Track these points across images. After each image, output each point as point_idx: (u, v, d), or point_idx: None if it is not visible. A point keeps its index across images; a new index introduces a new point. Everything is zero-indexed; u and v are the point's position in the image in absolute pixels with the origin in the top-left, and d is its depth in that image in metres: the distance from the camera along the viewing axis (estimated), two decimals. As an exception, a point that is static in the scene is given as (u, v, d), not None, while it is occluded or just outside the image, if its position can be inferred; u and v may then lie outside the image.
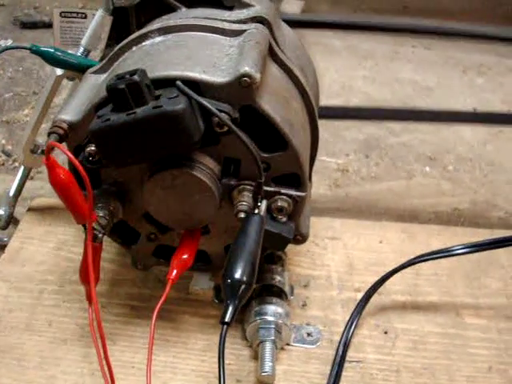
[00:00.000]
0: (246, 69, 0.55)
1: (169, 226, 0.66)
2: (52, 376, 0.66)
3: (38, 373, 0.67)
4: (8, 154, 1.13)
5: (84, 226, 0.60)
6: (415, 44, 1.64)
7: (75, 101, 0.63)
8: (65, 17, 0.75)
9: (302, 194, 0.63)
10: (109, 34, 0.74)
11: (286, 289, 0.72)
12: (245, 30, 0.63)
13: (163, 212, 0.63)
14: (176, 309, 0.74)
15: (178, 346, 0.70)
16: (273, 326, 0.67)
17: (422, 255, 0.74)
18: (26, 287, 0.77)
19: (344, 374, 0.68)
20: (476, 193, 1.13)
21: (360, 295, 0.75)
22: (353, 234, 0.88)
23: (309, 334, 0.72)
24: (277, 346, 0.67)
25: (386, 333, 0.73)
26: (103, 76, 0.66)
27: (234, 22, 0.66)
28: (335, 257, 0.84)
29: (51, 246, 0.84)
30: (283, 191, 0.62)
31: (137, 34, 0.66)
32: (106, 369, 0.60)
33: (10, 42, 1.59)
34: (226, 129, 0.56)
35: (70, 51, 0.73)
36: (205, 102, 0.55)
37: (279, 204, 0.62)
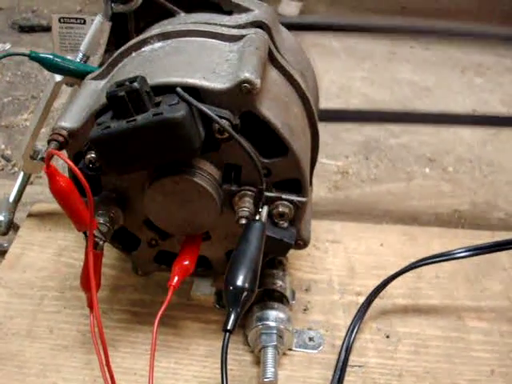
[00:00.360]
0: (246, 75, 0.55)
1: (169, 232, 0.66)
2: (53, 383, 0.66)
3: (40, 380, 0.67)
4: (7, 159, 1.12)
5: (85, 233, 0.60)
6: (413, 44, 1.64)
7: (75, 107, 0.63)
8: (64, 22, 0.75)
9: (303, 199, 0.62)
10: (108, 40, 0.74)
11: (288, 293, 0.72)
12: (244, 35, 0.63)
13: (164, 218, 0.63)
14: (177, 314, 0.74)
15: (180, 351, 0.70)
16: (274, 332, 0.67)
17: (423, 259, 0.74)
18: (26, 293, 0.77)
19: (346, 378, 0.68)
20: (476, 194, 1.13)
21: (361, 299, 0.75)
22: (353, 237, 0.88)
23: (311, 339, 0.72)
24: (279, 352, 0.67)
25: (387, 337, 0.73)
26: (102, 82, 0.66)
27: (233, 26, 0.65)
28: (336, 260, 0.84)
29: (51, 251, 0.84)
30: (284, 197, 0.62)
31: (136, 39, 0.66)
32: (107, 376, 0.60)
33: (8, 46, 1.59)
34: (226, 135, 0.56)
35: (69, 57, 0.73)
36: (205, 108, 0.54)
37: (280, 209, 0.62)
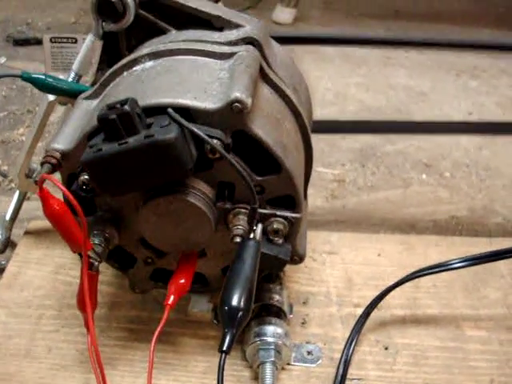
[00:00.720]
0: (237, 94, 0.55)
1: (165, 250, 0.66)
2: (53, 404, 0.66)
3: (39, 401, 0.67)
4: (4, 175, 1.12)
5: (80, 254, 0.60)
6: (408, 49, 1.64)
7: (67, 128, 0.63)
8: (55, 42, 0.75)
9: (298, 215, 0.62)
10: (100, 58, 0.74)
11: (285, 307, 0.72)
12: (235, 53, 0.63)
13: (159, 237, 0.63)
14: (175, 331, 0.74)
15: (179, 369, 0.70)
16: (272, 347, 0.67)
17: (421, 270, 0.74)
18: (24, 313, 0.77)
19: (345, 392, 0.68)
20: (473, 199, 1.13)
21: (359, 311, 0.75)
22: (350, 248, 0.87)
23: (309, 353, 0.72)
24: (277, 367, 0.67)
25: (386, 348, 0.73)
26: (95, 102, 0.66)
27: (224, 43, 0.65)
28: (334, 272, 0.84)
29: (49, 269, 0.84)
30: (278, 213, 0.62)
31: (127, 58, 0.66)
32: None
33: (3, 60, 1.60)
34: (218, 155, 0.56)
35: (61, 76, 0.73)
36: (196, 129, 0.54)
37: (275, 226, 0.62)
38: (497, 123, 1.10)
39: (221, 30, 0.70)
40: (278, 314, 0.71)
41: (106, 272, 0.79)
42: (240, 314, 0.54)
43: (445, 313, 0.78)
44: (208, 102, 0.56)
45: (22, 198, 0.89)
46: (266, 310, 0.71)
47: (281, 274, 0.76)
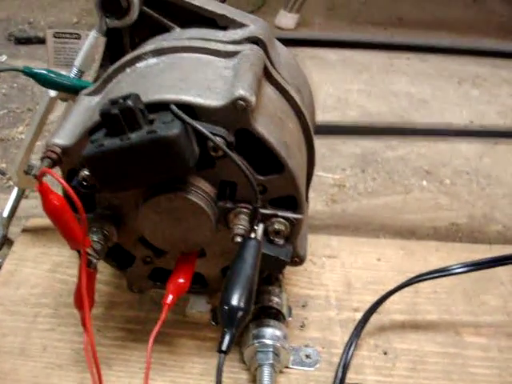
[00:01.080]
0: (241, 92, 0.54)
1: (164, 249, 0.65)
2: (47, 403, 0.66)
3: (33, 400, 0.66)
4: (2, 173, 1.12)
5: (78, 251, 0.60)
6: (410, 56, 1.64)
7: (68, 124, 0.62)
8: (58, 37, 0.75)
9: (299, 216, 0.62)
10: (103, 55, 0.73)
11: (284, 310, 0.71)
12: (239, 51, 0.63)
13: (158, 236, 0.62)
14: (173, 332, 0.73)
15: (176, 370, 0.69)
16: (271, 350, 0.66)
17: (421, 275, 0.73)
18: (20, 311, 0.76)
19: (344, 397, 0.67)
20: (473, 207, 1.12)
21: (359, 315, 0.75)
22: (350, 252, 0.87)
23: (307, 356, 0.71)
24: (275, 370, 0.66)
25: (385, 353, 0.72)
26: (97, 98, 0.65)
27: (228, 42, 0.65)
28: (333, 276, 0.83)
29: (46, 267, 0.83)
30: (280, 214, 0.61)
31: (131, 55, 0.65)
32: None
33: (4, 58, 1.59)
34: (221, 153, 0.56)
35: (63, 72, 0.73)
36: (199, 126, 0.54)
37: (276, 227, 0.62)
38: (498, 131, 1.09)
39: (225, 28, 0.70)
40: (277, 316, 0.70)
41: (104, 271, 0.79)
42: (240, 313, 0.53)
43: (444, 319, 0.78)
44: (211, 100, 0.56)
45: (20, 196, 0.88)
46: (264, 312, 0.70)
47: (280, 277, 0.75)
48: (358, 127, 1.05)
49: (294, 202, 0.62)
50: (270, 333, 0.67)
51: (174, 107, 0.54)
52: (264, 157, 0.58)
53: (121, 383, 0.67)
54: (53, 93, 0.75)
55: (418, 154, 1.26)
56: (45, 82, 0.71)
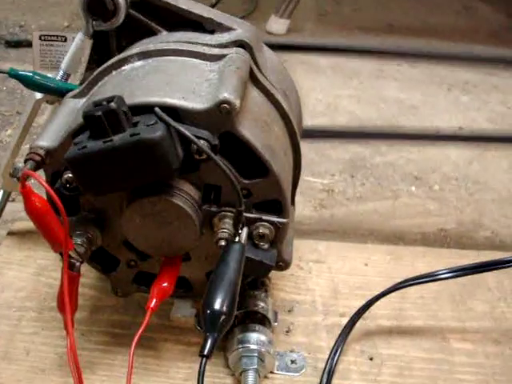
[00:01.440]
0: (226, 95, 0.54)
1: (148, 253, 0.65)
2: (29, 407, 0.65)
3: (15, 404, 0.65)
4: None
5: (61, 253, 0.59)
6: (400, 62, 1.65)
7: (53, 126, 0.62)
8: (44, 40, 0.74)
9: (284, 220, 0.62)
10: (89, 57, 0.73)
11: (270, 315, 0.71)
12: (225, 55, 0.63)
13: (142, 239, 0.62)
14: (157, 336, 0.72)
15: (159, 374, 0.69)
16: (256, 355, 0.66)
17: (407, 280, 0.73)
18: (4, 314, 0.76)
19: (329, 402, 0.66)
20: (462, 212, 1.13)
21: (345, 320, 0.74)
22: (338, 257, 0.87)
23: (293, 362, 0.71)
24: (260, 375, 0.66)
25: (371, 359, 0.72)
26: (82, 100, 0.65)
27: (214, 46, 0.65)
28: (320, 281, 0.83)
29: (31, 271, 0.82)
30: (265, 218, 0.61)
31: (116, 58, 0.65)
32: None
33: (-6, 61, 1.59)
34: (205, 156, 0.55)
35: (49, 75, 0.72)
36: (183, 129, 0.54)
37: (261, 231, 0.61)
38: (487, 136, 1.10)
39: (212, 32, 0.69)
40: (263, 321, 0.70)
41: (88, 275, 0.78)
42: (222, 317, 0.53)
43: (431, 324, 0.77)
44: (196, 103, 0.56)
45: (6, 198, 0.87)
46: (250, 316, 0.70)
47: (266, 281, 0.75)
48: (347, 132, 1.05)
49: (278, 206, 0.62)
50: (255, 338, 0.67)
51: (158, 110, 0.54)
52: (248, 160, 0.58)
53: (104, 388, 0.67)
54: (39, 95, 0.74)
55: (407, 159, 1.26)
56: (31, 84, 0.70)
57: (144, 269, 0.68)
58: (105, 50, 0.74)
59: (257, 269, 0.62)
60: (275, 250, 0.63)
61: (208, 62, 0.62)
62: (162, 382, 0.68)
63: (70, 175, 0.58)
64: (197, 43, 0.65)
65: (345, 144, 1.25)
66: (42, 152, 0.59)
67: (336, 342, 0.72)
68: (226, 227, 0.59)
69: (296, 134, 0.68)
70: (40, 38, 0.74)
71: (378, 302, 0.74)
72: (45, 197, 0.56)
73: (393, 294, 0.74)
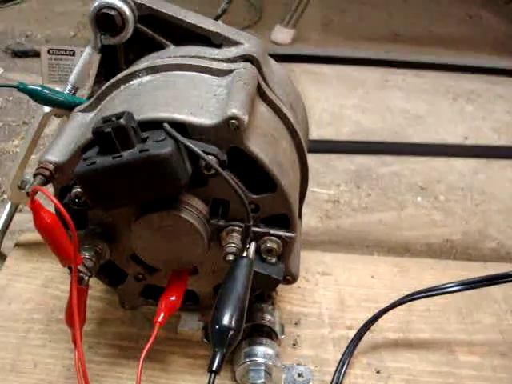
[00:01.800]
0: (234, 111, 0.55)
1: (156, 267, 0.65)
2: (37, 421, 0.65)
3: (23, 417, 0.65)
4: (-4, 186, 1.12)
5: (70, 268, 0.59)
6: (405, 72, 1.65)
7: (62, 141, 0.62)
8: (53, 54, 0.75)
9: (292, 234, 0.62)
10: (97, 71, 0.74)
11: (277, 328, 0.71)
12: (233, 70, 0.63)
13: (150, 253, 0.62)
14: (164, 349, 0.72)
15: (167, 387, 0.69)
16: (263, 368, 0.66)
17: (414, 293, 0.73)
18: (11, 326, 0.76)
19: (336, 416, 0.66)
20: (468, 223, 1.13)
21: (352, 333, 0.74)
22: (344, 269, 0.87)
23: (300, 375, 0.70)
24: (267, 389, 0.66)
25: (378, 372, 0.72)
26: (90, 115, 0.65)
27: (222, 60, 0.65)
28: (326, 293, 0.83)
29: (38, 283, 0.82)
30: (272, 232, 0.61)
31: (125, 72, 0.65)
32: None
33: (1, 71, 1.59)
34: (213, 171, 0.56)
35: (57, 88, 0.73)
36: (192, 145, 0.54)
37: (268, 245, 0.61)
38: (492, 147, 1.10)
39: (219, 46, 0.70)
40: (270, 334, 0.70)
41: (96, 287, 0.78)
42: (231, 333, 0.53)
43: (438, 337, 0.77)
44: (204, 118, 0.56)
45: (14, 210, 0.88)
46: (257, 330, 0.70)
47: (273, 294, 0.75)
48: (352, 145, 1.05)
49: (286, 220, 0.62)
50: (262, 351, 0.67)
51: (166, 126, 0.54)
52: (257, 175, 0.58)
53: (112, 401, 0.67)
54: (47, 109, 0.75)
55: (412, 169, 1.26)
56: (39, 98, 0.71)
57: (152, 282, 0.68)
58: (113, 63, 0.74)
59: (264, 283, 0.62)
60: (283, 265, 0.63)
61: (216, 77, 0.63)
62: (169, 395, 0.68)
63: (79, 190, 0.58)
64: (204, 58, 0.66)
65: (350, 154, 1.25)
66: (51, 167, 0.59)
67: (343, 354, 0.72)
68: (233, 242, 0.60)
69: (303, 148, 0.69)
70: (48, 52, 0.75)
71: (385, 315, 0.74)
72: (53, 210, 0.56)
73: (399, 307, 0.74)
